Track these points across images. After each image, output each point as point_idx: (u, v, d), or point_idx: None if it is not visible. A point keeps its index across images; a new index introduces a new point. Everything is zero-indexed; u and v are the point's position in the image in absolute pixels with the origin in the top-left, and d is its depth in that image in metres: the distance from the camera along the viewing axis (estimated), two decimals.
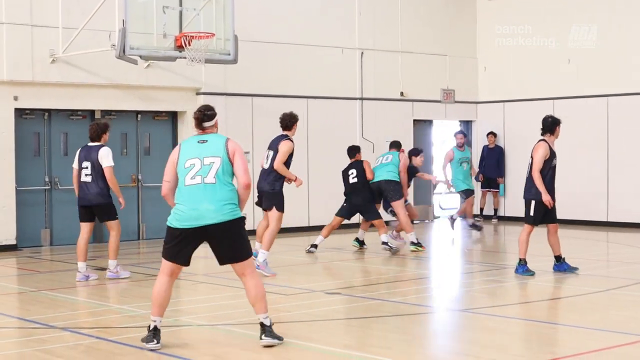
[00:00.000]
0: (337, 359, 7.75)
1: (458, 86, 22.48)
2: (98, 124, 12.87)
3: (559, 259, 12.94)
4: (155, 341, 8.05)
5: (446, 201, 25.12)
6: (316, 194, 19.64)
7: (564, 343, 8.43)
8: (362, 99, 20.66)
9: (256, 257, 12.36)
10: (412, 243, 15.90)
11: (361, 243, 16.27)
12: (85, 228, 12.75)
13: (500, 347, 8.20)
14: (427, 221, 22.22)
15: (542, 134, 12.92)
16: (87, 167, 12.60)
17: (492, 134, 22.27)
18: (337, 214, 15.94)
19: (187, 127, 18.33)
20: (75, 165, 12.77)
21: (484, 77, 22.86)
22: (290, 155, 13.08)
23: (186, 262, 8.15)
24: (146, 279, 12.85)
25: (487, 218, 22.31)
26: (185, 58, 15.58)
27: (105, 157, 12.57)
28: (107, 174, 12.54)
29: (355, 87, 20.57)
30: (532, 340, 8.58)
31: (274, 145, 13.21)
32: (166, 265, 8.11)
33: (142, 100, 17.78)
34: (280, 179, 12.99)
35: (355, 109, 20.59)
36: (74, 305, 10.67)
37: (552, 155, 12.71)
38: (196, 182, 7.92)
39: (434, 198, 23.48)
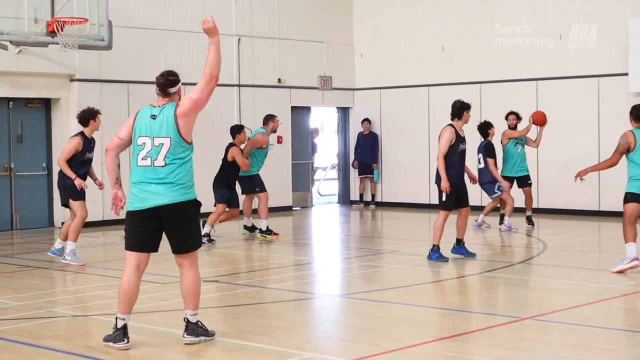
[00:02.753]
0: (214, 347, 7.72)
1: (335, 73, 22.63)
2: None
3: (459, 242, 13.05)
4: (126, 340, 7.58)
5: (324, 187, 25.33)
6: (200, 182, 19.43)
7: (438, 325, 8.60)
8: (239, 85, 20.58)
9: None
10: (261, 231, 15.87)
11: (251, 229, 16.28)
12: None
13: (378, 331, 8.30)
14: (307, 207, 22.31)
15: (451, 119, 12.88)
16: None
17: (366, 120, 22.51)
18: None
19: (61, 114, 17.95)
20: None
21: (360, 64, 23.06)
22: (81, 152, 12.57)
23: (147, 247, 7.69)
24: (19, 270, 12.57)
25: (366, 204, 22.58)
26: (58, 44, 15.24)
27: None
28: None
29: (232, 73, 20.46)
30: (408, 324, 8.71)
31: None
32: (129, 256, 7.71)
33: (14, 87, 17.31)
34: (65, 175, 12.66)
35: (233, 95, 20.50)
36: None
37: (459, 140, 12.71)
38: (146, 163, 7.60)
39: (314, 185, 23.64)
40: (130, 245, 7.73)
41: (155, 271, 11.63)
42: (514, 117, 16.94)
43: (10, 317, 9.05)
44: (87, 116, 12.67)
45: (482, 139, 16.65)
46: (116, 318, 7.67)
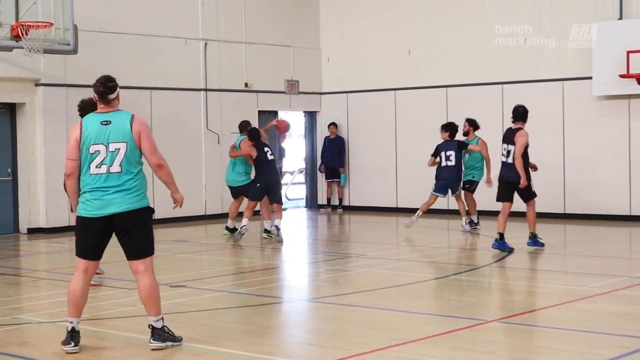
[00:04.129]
0: (181, 353, 7.70)
1: (302, 77, 22.65)
2: None
3: (534, 235, 14.12)
4: (73, 344, 7.59)
5: (292, 191, 25.33)
6: (161, 186, 19.39)
7: (404, 329, 8.61)
8: (206, 90, 20.55)
9: None
10: (266, 230, 16.20)
11: (232, 230, 16.57)
12: None
13: (345, 335, 8.32)
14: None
15: (515, 121, 13.76)
16: None
17: (333, 124, 22.54)
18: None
19: (26, 119, 17.84)
20: None
21: (327, 68, 23.10)
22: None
23: (95, 255, 7.73)
24: None
25: (333, 208, 22.60)
26: (22, 48, 15.16)
27: None
28: None
29: (199, 78, 20.44)
30: (375, 327, 8.73)
31: None
32: (78, 261, 7.74)
33: None
34: None
35: (200, 100, 20.46)
36: None
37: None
38: (102, 171, 7.57)
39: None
40: (80, 252, 7.78)
41: (122, 277, 11.59)
42: (466, 123, 17.34)
43: None
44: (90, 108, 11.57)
45: (451, 138, 16.93)
46: (67, 321, 7.75)
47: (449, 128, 16.96)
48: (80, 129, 7.70)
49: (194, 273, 12.81)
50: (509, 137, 13.80)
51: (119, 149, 7.61)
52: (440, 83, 20.91)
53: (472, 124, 17.36)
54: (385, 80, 21.90)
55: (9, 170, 17.98)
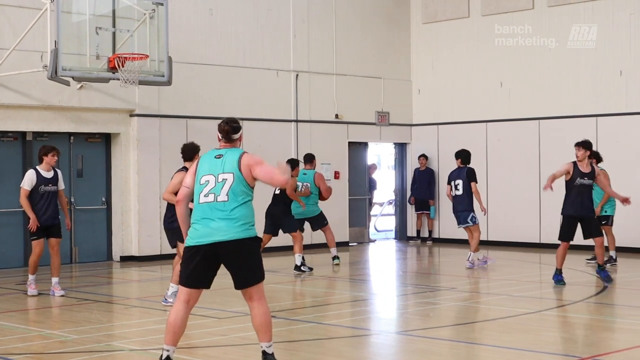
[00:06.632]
0: None
1: (393, 109, 22.63)
2: (40, 148, 13.44)
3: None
4: None
5: (381, 223, 25.26)
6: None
7: None
8: (297, 121, 20.67)
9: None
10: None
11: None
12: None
13: None
14: (363, 243, 22.25)
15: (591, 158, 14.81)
16: None
17: (423, 156, 22.44)
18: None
19: (120, 149, 18.16)
20: None
21: (418, 100, 23.03)
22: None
23: (199, 284, 7.77)
24: (79, 303, 12.68)
25: (423, 240, 22.44)
26: (118, 79, 15.48)
27: (23, 179, 13.22)
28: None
29: (290, 109, 20.58)
30: None
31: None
32: (181, 291, 7.79)
33: (75, 122, 17.57)
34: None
35: (291, 131, 20.59)
36: (3, 331, 10.46)
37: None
38: (209, 200, 7.70)
39: (370, 220, 23.58)
40: (183, 281, 7.81)
41: (212, 306, 11.68)
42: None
43: (70, 351, 9.12)
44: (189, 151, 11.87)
45: (464, 165, 16.88)
46: (162, 349, 7.75)
47: (460, 155, 16.91)
48: (197, 163, 7.94)
49: (283, 303, 12.84)
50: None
51: (226, 179, 7.72)
52: (533, 115, 20.66)
53: (595, 156, 16.80)
54: (476, 113, 21.73)
55: (103, 199, 18.31)
